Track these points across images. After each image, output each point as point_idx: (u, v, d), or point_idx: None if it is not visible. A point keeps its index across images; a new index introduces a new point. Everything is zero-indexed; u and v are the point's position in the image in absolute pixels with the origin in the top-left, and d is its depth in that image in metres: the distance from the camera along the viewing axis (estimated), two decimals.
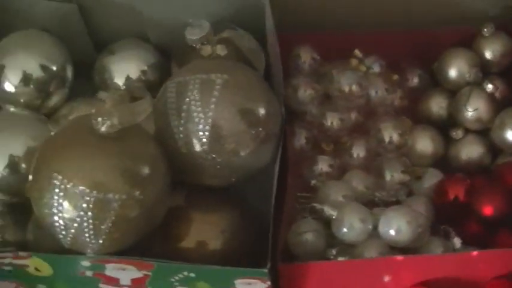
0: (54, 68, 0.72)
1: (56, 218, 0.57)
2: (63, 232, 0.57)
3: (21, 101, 0.72)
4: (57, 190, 0.56)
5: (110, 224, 0.56)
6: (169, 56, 0.79)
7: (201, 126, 0.60)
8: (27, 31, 0.74)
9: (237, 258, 0.64)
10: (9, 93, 0.72)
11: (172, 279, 0.60)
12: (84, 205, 0.56)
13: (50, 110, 0.74)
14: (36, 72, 0.72)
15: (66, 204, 0.56)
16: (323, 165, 0.73)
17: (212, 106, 0.60)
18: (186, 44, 0.73)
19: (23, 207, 0.70)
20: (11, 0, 0.77)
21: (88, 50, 0.80)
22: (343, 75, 0.74)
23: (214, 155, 0.61)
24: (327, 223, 0.68)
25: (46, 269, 0.61)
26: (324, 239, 0.67)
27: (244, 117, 0.61)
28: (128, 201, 0.56)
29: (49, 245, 0.65)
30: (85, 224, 0.56)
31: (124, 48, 0.78)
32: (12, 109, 0.71)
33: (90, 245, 0.57)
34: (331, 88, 0.75)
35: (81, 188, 0.56)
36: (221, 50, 0.64)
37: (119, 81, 0.77)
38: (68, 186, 0.56)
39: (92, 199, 0.56)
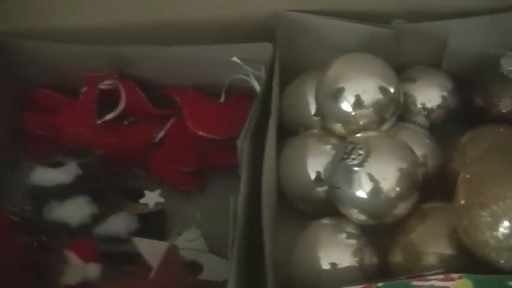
0: (392, 91, 0.73)
1: None
2: None
3: (360, 123, 0.72)
4: None
5: None
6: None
7: None
8: (359, 54, 0.74)
9: None
10: (348, 114, 0.72)
11: None
12: None
13: None
14: (376, 95, 0.72)
15: None
16: None
17: None
18: (494, 73, 0.77)
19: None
20: (321, 24, 0.78)
21: None
22: None
23: None
24: None
25: None
26: None
27: None
28: None
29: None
30: None
31: (422, 75, 0.80)
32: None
33: None
34: None
35: None
36: None
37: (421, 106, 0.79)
38: None
39: None
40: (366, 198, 0.67)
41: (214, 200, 0.79)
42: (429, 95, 0.79)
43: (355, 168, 0.67)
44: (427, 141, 0.75)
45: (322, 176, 0.73)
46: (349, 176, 0.67)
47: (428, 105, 0.79)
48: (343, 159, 0.67)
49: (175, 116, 0.82)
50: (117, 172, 0.77)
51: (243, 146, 0.69)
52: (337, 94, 0.72)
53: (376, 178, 0.67)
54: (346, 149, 0.67)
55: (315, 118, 0.78)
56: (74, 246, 0.70)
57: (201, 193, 0.80)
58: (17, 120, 0.84)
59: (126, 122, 0.82)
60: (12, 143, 0.85)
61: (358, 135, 0.70)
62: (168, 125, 0.81)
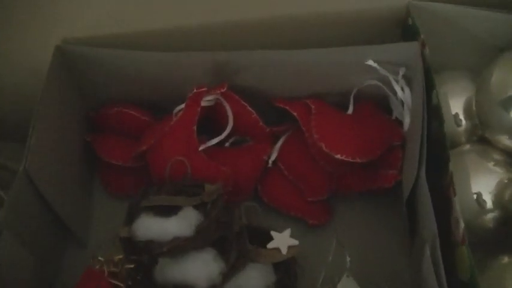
0: None
1: None
2: None
3: None
4: None
5: None
6: None
7: None
8: None
9: None
10: None
11: None
12: None
13: None
14: None
15: None
16: None
17: None
18: None
19: None
20: (459, 15, 0.65)
21: None
22: None
23: None
24: None
25: None
26: None
27: None
28: None
29: None
30: None
31: None
32: None
33: None
34: None
35: None
36: None
37: None
38: None
39: None
40: None
41: (352, 235, 0.65)
42: None
43: None
44: None
45: (486, 199, 0.62)
46: None
47: None
48: None
49: (286, 133, 0.68)
50: (231, 210, 0.62)
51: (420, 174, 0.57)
52: (508, 102, 0.60)
53: None
54: None
55: (460, 128, 0.66)
56: None
57: (330, 226, 0.67)
58: (89, 147, 0.68)
59: (227, 144, 0.68)
60: (84, 175, 0.69)
61: None
62: (279, 144, 0.67)
